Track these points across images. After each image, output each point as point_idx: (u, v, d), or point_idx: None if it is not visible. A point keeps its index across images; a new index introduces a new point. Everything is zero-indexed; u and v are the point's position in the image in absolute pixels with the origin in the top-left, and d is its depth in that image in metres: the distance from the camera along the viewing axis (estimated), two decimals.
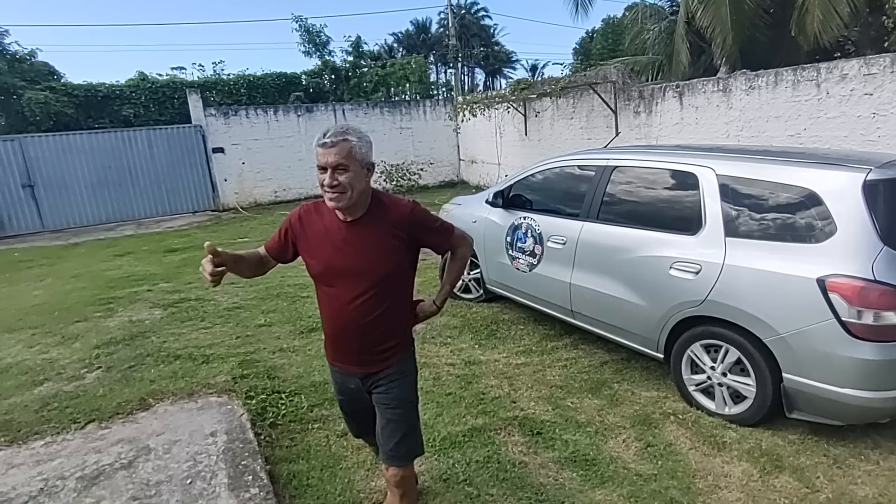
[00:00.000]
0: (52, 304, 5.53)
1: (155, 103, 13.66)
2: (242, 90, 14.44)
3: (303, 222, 1.86)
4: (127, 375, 3.66)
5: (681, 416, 2.93)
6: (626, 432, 2.82)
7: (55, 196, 10.67)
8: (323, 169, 1.69)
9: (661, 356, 3.17)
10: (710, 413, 2.92)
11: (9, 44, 12.96)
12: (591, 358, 3.73)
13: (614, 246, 3.35)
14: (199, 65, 15.35)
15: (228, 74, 14.90)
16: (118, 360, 3.93)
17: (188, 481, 2.45)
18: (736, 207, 2.82)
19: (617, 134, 8.00)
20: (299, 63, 29.27)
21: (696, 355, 2.97)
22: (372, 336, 1.83)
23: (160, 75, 14.36)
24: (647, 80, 11.63)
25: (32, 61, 13.37)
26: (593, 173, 3.67)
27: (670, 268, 2.97)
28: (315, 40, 15.31)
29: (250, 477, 2.46)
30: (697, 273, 2.84)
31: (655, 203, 3.29)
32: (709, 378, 2.93)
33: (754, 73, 6.32)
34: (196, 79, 14.74)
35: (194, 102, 11.69)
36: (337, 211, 1.77)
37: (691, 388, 3.03)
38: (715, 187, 2.91)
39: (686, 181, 3.07)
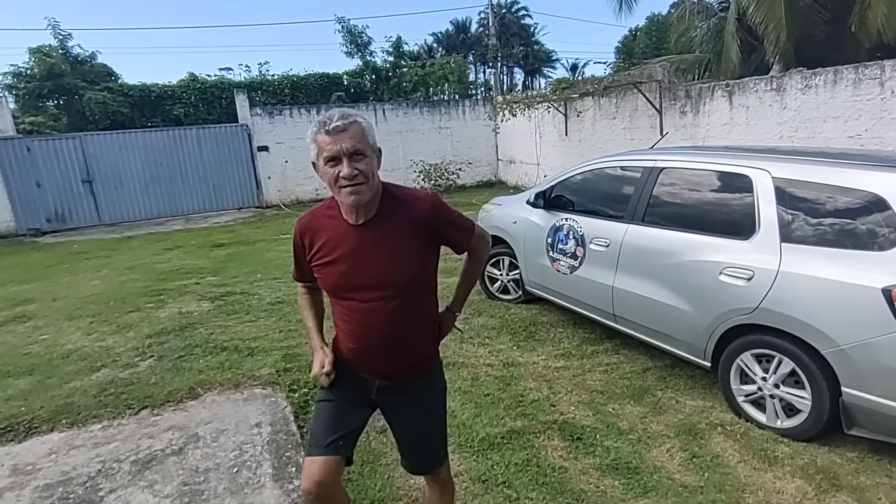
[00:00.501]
0: (108, 295, 5.82)
1: (204, 103, 14.18)
2: (286, 90, 14.81)
3: (306, 237, 1.62)
4: (177, 365, 3.81)
5: (728, 428, 2.83)
6: (671, 441, 2.74)
7: (111, 191, 11.23)
8: (334, 160, 1.43)
9: (708, 364, 3.07)
10: (760, 426, 2.81)
11: (72, 47, 13.73)
12: (633, 364, 3.64)
13: (660, 249, 3.26)
14: (246, 66, 15.90)
15: (273, 75, 15.33)
16: (169, 350, 4.10)
17: (235, 470, 2.53)
18: (792, 212, 2.70)
19: (664, 134, 7.79)
20: (341, 63, 29.86)
21: (746, 365, 2.85)
22: (403, 348, 1.63)
23: (209, 76, 14.90)
24: (694, 79, 11.29)
25: (93, 63, 14.11)
26: (639, 175, 3.59)
27: (720, 273, 2.87)
28: (357, 41, 15.55)
29: (293, 468, 2.52)
30: (750, 279, 2.73)
31: (705, 206, 3.19)
32: (760, 389, 2.81)
33: (811, 71, 6.04)
34: (243, 79, 15.22)
35: (241, 102, 12.07)
36: (346, 212, 1.54)
37: (740, 399, 2.92)
38: (770, 190, 2.79)
39: (739, 184, 2.96)
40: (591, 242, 3.76)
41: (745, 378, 2.89)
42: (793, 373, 2.65)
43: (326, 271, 1.58)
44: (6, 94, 12.75)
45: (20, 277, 6.99)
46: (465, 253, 1.78)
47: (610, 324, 3.77)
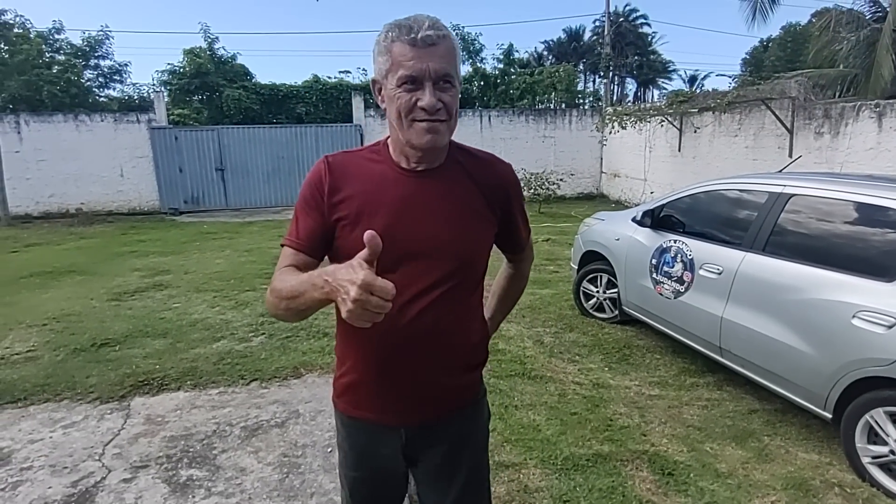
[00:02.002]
0: (229, 273, 6.46)
1: (324, 103, 15.21)
2: None
3: (332, 176, 1.12)
4: (284, 344, 4.15)
5: (848, 490, 2.53)
6: (776, 494, 2.51)
7: (239, 179, 12.45)
8: (414, 82, 1.01)
9: (829, 416, 2.77)
10: (889, 494, 2.48)
11: (217, 49, 15.39)
12: (738, 403, 3.38)
13: (782, 283, 2.99)
14: (363, 69, 16.71)
15: None
16: (278, 330, 4.47)
17: (329, 450, 2.71)
18: None
19: (795, 158, 7.10)
20: None
21: (877, 423, 2.54)
22: (448, 354, 1.18)
23: (329, 78, 15.95)
24: (835, 97, 10.19)
25: (233, 64, 15.70)
26: (763, 200, 3.32)
27: (853, 316, 2.58)
28: (469, 48, 15.85)
29: None
30: (891, 327, 2.43)
31: (840, 240, 2.88)
32: (893, 453, 2.49)
33: None
34: (360, 82, 16.11)
35: (357, 104, 12.81)
36: (398, 154, 1.14)
37: (866, 460, 2.60)
38: None
39: (885, 218, 2.64)
40: (700, 268, 3.55)
41: (874, 437, 2.57)
42: None
43: (364, 227, 0.99)
44: (163, 89, 14.60)
45: (160, 250, 7.99)
46: (510, 263, 1.42)
47: (714, 356, 3.52)
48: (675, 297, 3.75)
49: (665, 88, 37.40)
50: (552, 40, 39.39)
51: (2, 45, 12.99)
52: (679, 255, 3.76)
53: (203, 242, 8.63)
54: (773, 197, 3.26)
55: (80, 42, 14.73)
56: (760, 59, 27.92)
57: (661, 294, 3.90)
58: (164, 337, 4.32)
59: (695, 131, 9.68)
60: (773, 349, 3.00)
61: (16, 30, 13.39)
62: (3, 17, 13.04)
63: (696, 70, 38.88)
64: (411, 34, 1.00)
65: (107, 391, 3.39)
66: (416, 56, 1.01)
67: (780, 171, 4.06)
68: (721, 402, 3.40)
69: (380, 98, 1.11)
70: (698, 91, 12.38)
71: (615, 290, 4.59)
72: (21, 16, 13.63)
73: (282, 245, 1.17)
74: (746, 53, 33.02)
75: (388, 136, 1.18)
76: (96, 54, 15.05)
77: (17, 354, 4.00)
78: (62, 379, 3.57)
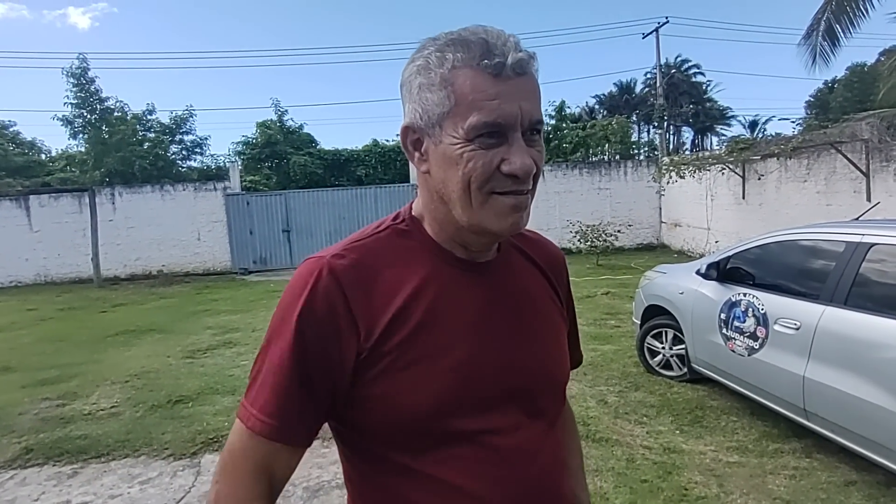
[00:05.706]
0: None
1: (382, 165, 16.01)
2: None
3: (359, 296, 0.71)
4: None
5: None
6: None
7: (303, 240, 13.11)
8: (495, 134, 0.66)
9: None
10: None
11: (286, 120, 16.71)
12: (831, 473, 3.05)
13: (871, 340, 2.76)
14: None
15: None
16: None
17: None
18: None
19: (874, 204, 6.66)
20: None
21: None
22: None
23: (388, 141, 16.83)
24: None
25: (300, 133, 16.95)
26: (841, 249, 3.13)
27: None
28: None
29: None
30: None
31: None
32: None
33: None
34: None
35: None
36: (450, 240, 0.76)
37: None
38: None
39: None
40: (775, 323, 3.34)
41: None
42: None
43: (421, 370, 0.70)
44: (237, 159, 15.89)
45: (231, 309, 8.43)
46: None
47: (799, 420, 3.24)
48: (749, 355, 3.53)
49: (724, 135, 36.65)
50: (603, 94, 39.92)
51: (104, 128, 14.69)
52: (750, 309, 3.56)
53: (269, 301, 9.04)
54: (850, 247, 3.07)
55: (168, 121, 16.43)
56: (826, 100, 26.97)
57: (733, 351, 3.68)
58: (233, 394, 4.49)
59: (758, 178, 9.33)
60: (869, 413, 2.73)
61: (115, 113, 15.15)
62: (106, 104, 14.84)
63: (757, 115, 37.89)
64: (494, 58, 0.64)
65: (180, 448, 3.54)
66: (502, 93, 0.65)
67: (857, 218, 3.84)
68: (811, 471, 3.09)
69: (417, 156, 0.73)
70: (760, 136, 12.03)
71: (682, 346, 4.37)
72: (121, 101, 15.43)
73: (243, 420, 0.72)
74: (810, 96, 32.01)
75: (413, 210, 0.80)
76: (181, 130, 16.69)
77: (102, 410, 4.28)
78: (140, 435, 3.76)
